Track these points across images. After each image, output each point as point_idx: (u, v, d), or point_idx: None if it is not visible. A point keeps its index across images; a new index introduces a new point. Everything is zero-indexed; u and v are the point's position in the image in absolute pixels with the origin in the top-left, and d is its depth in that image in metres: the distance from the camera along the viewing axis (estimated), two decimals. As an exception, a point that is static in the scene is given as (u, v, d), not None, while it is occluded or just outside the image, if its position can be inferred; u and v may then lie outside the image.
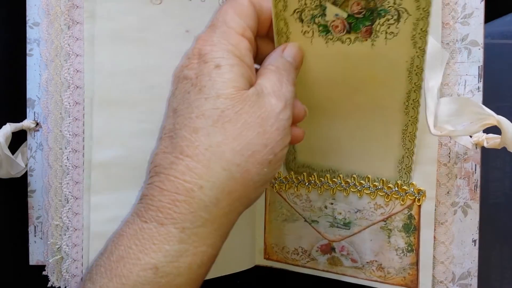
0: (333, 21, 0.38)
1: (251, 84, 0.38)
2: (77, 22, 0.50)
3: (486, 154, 0.43)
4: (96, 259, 0.36)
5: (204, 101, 0.36)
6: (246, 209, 0.38)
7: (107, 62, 0.50)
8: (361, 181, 0.49)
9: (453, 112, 0.42)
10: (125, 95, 0.50)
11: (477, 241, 0.46)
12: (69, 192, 0.50)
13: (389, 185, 0.47)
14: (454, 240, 0.46)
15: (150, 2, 0.49)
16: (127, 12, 0.49)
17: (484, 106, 0.42)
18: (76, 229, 0.51)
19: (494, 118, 0.41)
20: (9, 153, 0.50)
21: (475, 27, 0.45)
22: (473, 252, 0.46)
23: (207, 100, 0.36)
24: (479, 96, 0.45)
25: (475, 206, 0.46)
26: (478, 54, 0.45)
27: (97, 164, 0.50)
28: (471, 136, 0.45)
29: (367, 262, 0.51)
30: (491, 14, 0.49)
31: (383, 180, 0.48)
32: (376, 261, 0.50)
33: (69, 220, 0.50)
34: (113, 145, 0.50)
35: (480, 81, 0.45)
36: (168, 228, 0.34)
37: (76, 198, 0.50)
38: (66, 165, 0.50)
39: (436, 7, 0.45)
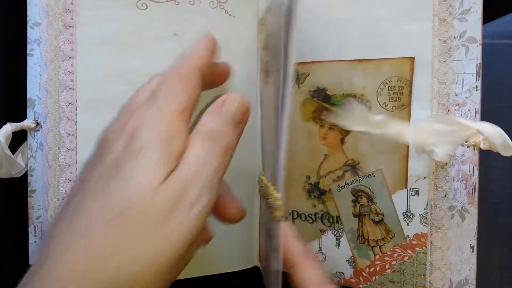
0: None
1: (175, 164, 0.33)
2: (70, 26, 0.50)
3: (487, 153, 0.41)
4: None
5: (111, 193, 0.31)
6: None
7: (93, 65, 0.50)
8: None
9: (434, 133, 0.41)
10: (112, 97, 0.50)
11: (475, 247, 0.43)
12: (65, 190, 0.50)
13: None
14: (451, 246, 0.44)
15: (136, 7, 0.50)
16: (112, 18, 0.50)
17: (460, 118, 0.41)
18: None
19: (473, 128, 0.39)
20: (9, 153, 0.50)
21: (473, 23, 0.42)
22: (471, 259, 0.43)
23: (119, 193, 0.31)
24: (477, 95, 0.42)
25: (473, 211, 0.43)
26: (476, 51, 0.42)
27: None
28: (466, 141, 0.42)
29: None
30: (491, 14, 0.47)
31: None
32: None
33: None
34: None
35: (478, 80, 0.42)
36: None
37: (70, 196, 0.50)
38: (62, 164, 0.50)
39: (434, 3, 0.44)
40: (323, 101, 0.50)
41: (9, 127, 0.50)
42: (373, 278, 0.47)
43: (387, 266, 0.47)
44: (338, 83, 0.49)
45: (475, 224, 0.43)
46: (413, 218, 0.45)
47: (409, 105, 0.45)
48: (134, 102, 0.37)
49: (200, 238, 0.34)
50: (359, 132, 0.47)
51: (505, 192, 0.50)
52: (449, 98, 0.43)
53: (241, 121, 0.37)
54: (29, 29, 0.51)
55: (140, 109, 0.35)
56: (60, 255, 0.30)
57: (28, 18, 0.51)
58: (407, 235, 0.46)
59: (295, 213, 0.52)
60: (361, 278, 0.48)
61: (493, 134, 0.39)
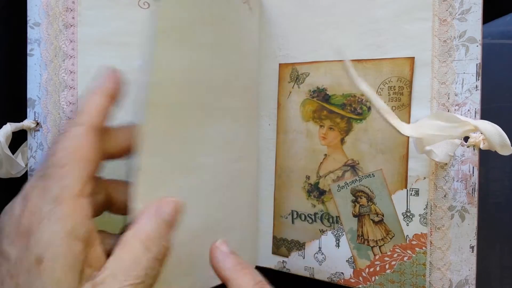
0: None
1: (95, 264, 0.30)
2: (71, 25, 0.50)
3: (487, 153, 0.40)
4: None
5: None
6: None
7: (95, 65, 0.48)
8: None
9: (433, 128, 0.41)
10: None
11: (475, 248, 0.43)
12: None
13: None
14: (451, 246, 0.43)
15: (138, 6, 0.49)
16: (114, 17, 0.50)
17: (458, 115, 0.40)
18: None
19: (471, 124, 0.39)
20: (9, 153, 0.50)
21: (473, 23, 0.42)
22: (471, 259, 0.43)
23: None
24: (477, 95, 0.42)
25: (473, 211, 0.43)
26: (476, 51, 0.42)
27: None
28: (466, 141, 0.42)
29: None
30: (491, 14, 0.47)
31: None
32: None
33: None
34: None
35: (478, 80, 0.42)
36: None
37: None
38: (62, 164, 0.50)
39: (434, 3, 0.44)
40: (323, 101, 0.50)
41: (9, 127, 0.50)
42: (373, 278, 0.47)
43: (387, 266, 0.46)
44: (338, 83, 0.49)
45: (475, 224, 0.43)
46: (413, 218, 0.45)
47: (409, 105, 0.45)
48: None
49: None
50: (358, 133, 0.48)
51: (505, 192, 0.50)
52: (449, 98, 0.43)
53: (173, 224, 0.34)
54: (29, 29, 0.51)
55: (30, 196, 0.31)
56: None
57: (28, 18, 0.51)
58: (407, 235, 0.45)
59: (295, 213, 0.52)
60: (360, 278, 0.48)
61: (492, 132, 0.38)
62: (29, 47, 0.51)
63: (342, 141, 0.49)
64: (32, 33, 0.51)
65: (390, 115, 0.41)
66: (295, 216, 0.52)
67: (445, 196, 0.43)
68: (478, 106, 0.42)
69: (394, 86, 0.45)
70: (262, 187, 0.54)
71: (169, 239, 0.34)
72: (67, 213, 0.29)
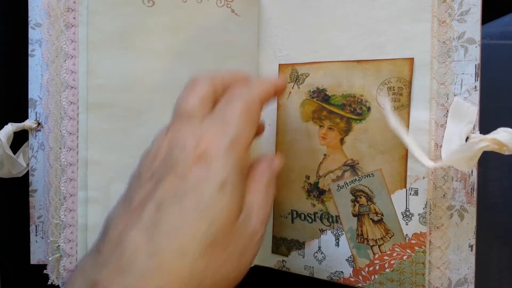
0: None
1: (240, 207, 0.34)
2: (72, 25, 0.50)
3: (485, 154, 0.40)
4: None
5: (198, 220, 0.31)
6: None
7: (99, 65, 0.49)
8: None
9: (454, 157, 0.40)
10: (117, 96, 0.49)
11: (474, 246, 0.43)
12: (66, 190, 0.50)
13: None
14: (450, 245, 0.44)
15: (142, 4, 0.49)
16: (116, 16, 0.49)
17: (473, 135, 0.41)
18: (70, 225, 0.50)
19: (489, 139, 0.38)
20: (10, 153, 0.50)
21: (471, 24, 0.42)
22: (470, 258, 0.43)
23: (202, 221, 0.31)
24: (475, 96, 0.42)
25: (472, 210, 0.43)
26: (475, 52, 0.42)
27: (93, 162, 0.49)
28: (466, 140, 0.42)
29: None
30: (490, 15, 0.47)
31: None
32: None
33: (65, 216, 0.50)
34: (105, 144, 0.49)
35: (477, 80, 0.42)
36: None
37: (71, 195, 0.50)
38: (64, 163, 0.50)
39: (433, 4, 0.44)
40: (322, 102, 0.50)
41: (11, 127, 0.50)
42: (372, 277, 0.47)
43: (386, 265, 0.46)
44: (337, 84, 0.49)
45: (474, 223, 0.43)
46: (412, 218, 0.45)
47: (408, 105, 0.45)
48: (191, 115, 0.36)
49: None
50: (358, 133, 0.48)
51: (503, 193, 0.50)
52: (448, 99, 0.43)
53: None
54: (30, 30, 0.51)
55: (209, 127, 0.35)
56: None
57: (29, 19, 0.51)
58: (406, 235, 0.45)
59: (295, 212, 0.52)
60: (360, 277, 0.48)
61: (508, 138, 0.38)
62: (30, 47, 0.51)
63: (342, 141, 0.49)
64: (33, 34, 0.51)
65: (416, 151, 0.41)
66: (294, 215, 0.52)
67: (444, 195, 0.44)
68: (477, 106, 0.42)
69: (394, 87, 0.46)
70: None
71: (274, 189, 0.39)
72: (240, 156, 0.34)
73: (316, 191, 0.51)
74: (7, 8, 0.53)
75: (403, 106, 0.45)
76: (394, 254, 0.46)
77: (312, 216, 0.51)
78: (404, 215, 0.45)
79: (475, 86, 0.42)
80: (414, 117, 0.45)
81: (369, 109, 0.47)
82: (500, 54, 0.49)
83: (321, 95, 0.50)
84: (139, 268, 0.29)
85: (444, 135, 0.43)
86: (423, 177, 0.44)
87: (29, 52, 0.51)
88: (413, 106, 0.45)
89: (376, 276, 0.47)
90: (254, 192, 0.36)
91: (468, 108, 0.42)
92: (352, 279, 0.48)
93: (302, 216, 0.52)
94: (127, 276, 0.29)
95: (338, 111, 0.49)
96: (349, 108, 0.48)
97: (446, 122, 0.43)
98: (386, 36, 0.46)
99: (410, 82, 0.45)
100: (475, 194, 0.43)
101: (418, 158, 0.41)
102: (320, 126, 0.50)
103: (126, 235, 0.31)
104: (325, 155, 0.50)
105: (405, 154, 0.45)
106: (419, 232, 0.45)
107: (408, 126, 0.45)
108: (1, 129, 0.50)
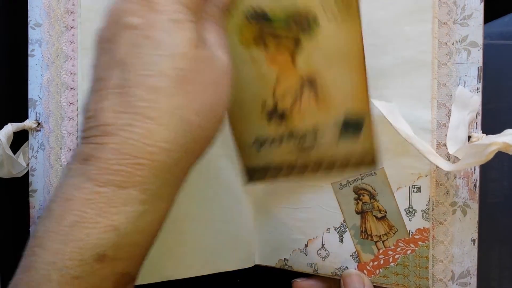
0: None
1: (202, 40, 0.35)
2: (71, 27, 0.50)
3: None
4: (41, 225, 0.33)
5: (163, 58, 0.32)
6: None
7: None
8: None
9: (468, 158, 0.41)
10: None
11: (476, 240, 0.44)
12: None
13: None
14: (453, 240, 0.45)
15: None
16: None
17: (482, 139, 0.42)
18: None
19: (499, 143, 0.39)
20: (10, 153, 0.49)
21: (474, 28, 0.43)
22: (473, 251, 0.45)
23: (166, 58, 0.32)
24: (478, 97, 0.43)
25: (474, 206, 0.44)
26: (478, 55, 0.43)
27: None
28: (469, 140, 0.44)
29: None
30: (490, 15, 0.48)
31: None
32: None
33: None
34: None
35: (480, 82, 0.43)
36: (128, 191, 0.32)
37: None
38: (64, 163, 0.50)
39: (433, 5, 0.44)
40: (262, 23, 0.46)
41: (10, 127, 0.50)
42: (377, 271, 0.48)
43: (391, 259, 0.47)
44: (277, 0, 0.45)
45: (477, 218, 0.44)
46: (415, 214, 0.46)
47: (358, 12, 0.44)
48: None
49: None
50: (309, 49, 0.46)
51: (504, 192, 0.51)
52: (450, 99, 0.44)
53: (226, 8, 0.40)
54: (30, 30, 0.50)
55: None
56: None
57: (29, 19, 0.50)
58: (410, 230, 0.46)
59: (259, 141, 0.50)
60: (365, 271, 0.49)
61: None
62: (30, 47, 0.50)
63: (293, 57, 0.46)
64: (33, 34, 0.50)
65: (431, 155, 0.42)
66: (259, 143, 0.51)
67: (447, 192, 0.45)
68: (479, 108, 0.44)
69: None
70: None
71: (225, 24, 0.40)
72: None
73: (276, 114, 0.49)
74: (7, 8, 0.52)
75: (353, 16, 0.44)
76: (398, 249, 0.47)
77: (279, 139, 0.50)
78: (408, 212, 0.46)
79: (477, 87, 0.43)
80: (414, 117, 0.45)
81: (317, 23, 0.45)
82: (500, 54, 0.50)
83: (259, 16, 0.46)
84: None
85: (449, 123, 0.44)
86: (426, 175, 0.45)
87: (29, 52, 0.50)
88: (413, 106, 0.45)
89: (381, 270, 0.48)
90: (205, 29, 0.36)
91: (471, 97, 0.43)
92: (357, 274, 0.49)
93: (269, 141, 0.50)
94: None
95: (282, 30, 0.46)
96: (295, 25, 0.45)
97: (448, 121, 0.44)
98: (386, 36, 0.46)
99: None
100: (477, 191, 0.44)
101: (436, 163, 0.42)
102: (266, 49, 0.47)
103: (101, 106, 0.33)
104: (277, 77, 0.48)
105: (407, 152, 0.46)
106: (422, 228, 0.46)
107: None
108: (1, 129, 0.49)
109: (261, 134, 0.50)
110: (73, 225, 0.31)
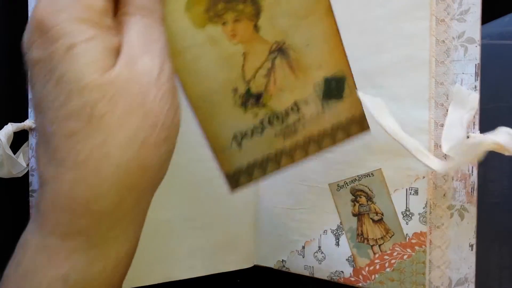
0: None
1: (117, 51, 0.30)
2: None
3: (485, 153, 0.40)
4: (7, 267, 0.32)
5: (68, 96, 0.28)
6: (159, 185, 0.33)
7: None
8: None
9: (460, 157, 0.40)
10: None
11: (474, 246, 0.43)
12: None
13: None
14: (450, 244, 0.43)
15: None
16: None
17: (472, 136, 0.41)
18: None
19: (489, 141, 0.38)
20: (10, 153, 0.50)
21: (471, 23, 0.42)
22: (470, 257, 0.43)
23: (71, 95, 0.28)
24: (476, 95, 0.42)
25: (472, 210, 0.43)
26: (475, 51, 0.42)
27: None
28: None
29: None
30: (489, 15, 0.47)
31: None
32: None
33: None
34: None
35: (477, 80, 0.42)
36: (73, 239, 0.30)
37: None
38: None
39: (431, 2, 0.43)
40: None
41: (10, 127, 0.50)
42: (373, 276, 0.47)
43: (387, 264, 0.46)
44: None
45: (474, 223, 0.43)
46: (412, 217, 0.45)
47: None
48: None
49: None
50: (271, 9, 0.39)
51: (503, 192, 0.50)
52: (447, 98, 0.43)
53: None
54: (30, 30, 0.51)
55: None
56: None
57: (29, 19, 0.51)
58: (406, 234, 0.45)
59: (238, 135, 0.43)
60: (360, 276, 0.48)
61: (508, 141, 0.37)
62: (30, 47, 0.51)
63: (256, 28, 0.40)
64: (33, 34, 0.51)
65: (421, 153, 0.40)
66: (239, 138, 0.44)
67: (444, 195, 0.43)
68: (477, 106, 0.42)
69: None
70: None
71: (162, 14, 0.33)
72: (84, 4, 0.29)
73: (252, 99, 0.42)
74: (7, 8, 0.53)
75: None
76: (395, 254, 0.46)
77: (260, 126, 0.43)
78: (404, 215, 0.45)
79: (475, 85, 0.42)
80: (414, 118, 0.44)
81: None
82: (500, 54, 0.49)
83: None
84: None
85: (445, 123, 0.42)
86: (423, 177, 0.44)
87: (29, 52, 0.51)
88: (412, 106, 0.44)
89: (377, 276, 0.47)
90: (127, 29, 0.31)
91: (468, 95, 0.42)
92: (353, 279, 0.48)
93: (249, 133, 0.43)
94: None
95: None
96: None
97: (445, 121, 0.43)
98: (384, 34, 0.45)
99: None
100: (475, 194, 0.43)
101: (425, 163, 0.40)
102: (223, 24, 0.39)
103: None
104: (244, 54, 0.41)
105: (405, 153, 0.44)
106: (419, 232, 0.45)
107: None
108: (1, 129, 0.50)
109: (239, 127, 0.43)
110: (25, 273, 0.30)
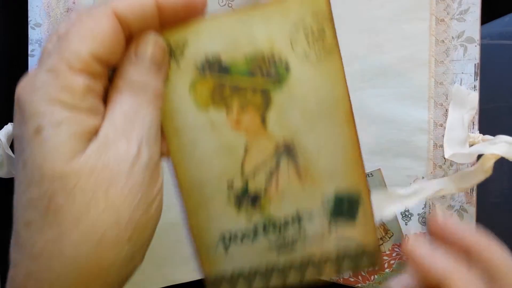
0: None
1: (94, 133, 0.27)
2: (72, 26, 0.50)
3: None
4: None
5: (29, 183, 0.27)
6: (126, 282, 0.30)
7: None
8: None
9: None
10: None
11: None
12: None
13: None
14: (449, 246, 0.43)
15: None
16: None
17: (473, 148, 0.41)
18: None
19: (489, 154, 0.38)
20: (10, 153, 0.50)
21: (471, 23, 0.42)
22: (469, 259, 0.43)
23: (32, 183, 0.26)
24: (476, 95, 0.42)
25: (471, 210, 0.43)
26: (474, 51, 0.42)
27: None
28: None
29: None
30: (489, 15, 0.47)
31: None
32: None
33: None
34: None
35: (477, 79, 0.42)
36: None
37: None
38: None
39: (431, 2, 0.43)
40: (220, 75, 0.34)
41: (10, 127, 0.50)
42: (372, 277, 0.47)
43: (386, 265, 0.46)
44: (233, 43, 0.33)
45: (474, 223, 0.43)
46: (411, 218, 0.45)
47: (337, 47, 0.34)
48: None
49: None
50: (282, 103, 0.34)
51: (504, 192, 0.50)
52: (447, 98, 0.43)
53: (161, 64, 0.31)
54: (30, 30, 0.51)
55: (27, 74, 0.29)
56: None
57: (29, 19, 0.50)
58: (406, 235, 0.45)
59: (227, 236, 0.37)
60: (360, 277, 0.47)
61: (506, 150, 0.37)
62: (30, 47, 0.51)
63: (264, 119, 0.35)
64: (33, 34, 0.51)
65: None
66: (227, 241, 0.38)
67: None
68: (477, 106, 0.42)
69: (312, 28, 0.33)
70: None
71: (160, 82, 0.30)
72: (66, 83, 0.27)
73: (248, 199, 0.36)
74: (7, 8, 0.53)
75: (330, 52, 0.34)
76: (394, 254, 0.46)
77: (252, 233, 0.37)
78: (404, 215, 0.45)
79: (474, 85, 0.42)
80: (413, 118, 0.44)
81: (287, 67, 0.34)
82: (500, 54, 0.49)
83: (215, 66, 0.34)
84: None
85: (447, 123, 0.42)
86: (422, 177, 0.44)
87: (29, 52, 0.51)
88: (411, 106, 0.44)
89: (376, 276, 0.47)
90: (113, 104, 0.28)
91: (468, 94, 0.42)
92: (352, 279, 0.48)
93: (239, 236, 0.38)
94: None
95: (246, 82, 0.34)
96: (261, 74, 0.34)
97: (445, 122, 0.43)
98: (384, 34, 0.45)
99: (330, 15, 0.33)
100: (474, 194, 0.43)
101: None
102: (228, 109, 0.35)
103: None
104: (246, 146, 0.35)
105: (404, 154, 0.44)
106: (418, 232, 0.44)
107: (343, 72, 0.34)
108: (1, 129, 0.50)
109: (228, 228, 0.37)
110: None
